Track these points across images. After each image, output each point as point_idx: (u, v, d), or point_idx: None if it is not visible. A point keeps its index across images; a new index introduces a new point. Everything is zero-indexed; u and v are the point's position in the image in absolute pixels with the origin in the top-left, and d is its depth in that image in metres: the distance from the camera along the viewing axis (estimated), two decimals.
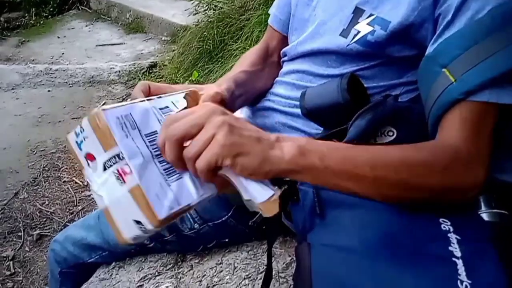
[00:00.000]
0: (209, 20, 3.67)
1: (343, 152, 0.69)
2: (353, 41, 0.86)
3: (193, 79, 3.36)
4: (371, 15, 0.84)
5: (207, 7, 3.83)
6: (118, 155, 0.62)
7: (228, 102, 0.90)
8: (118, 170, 0.62)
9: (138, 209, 0.61)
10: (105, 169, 0.63)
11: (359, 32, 0.85)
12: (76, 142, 0.65)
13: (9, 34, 4.89)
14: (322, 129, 0.86)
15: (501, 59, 0.71)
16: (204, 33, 3.57)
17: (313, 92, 0.84)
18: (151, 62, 4.01)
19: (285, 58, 1.05)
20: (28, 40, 4.74)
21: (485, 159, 0.73)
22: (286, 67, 1.04)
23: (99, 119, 0.62)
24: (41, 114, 3.18)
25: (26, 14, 5.19)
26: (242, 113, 1.08)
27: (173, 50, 4.07)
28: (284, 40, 1.12)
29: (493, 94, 0.72)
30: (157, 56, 4.21)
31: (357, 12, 0.86)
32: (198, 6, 3.95)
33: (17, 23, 5.07)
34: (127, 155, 0.62)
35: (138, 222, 0.62)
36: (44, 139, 2.88)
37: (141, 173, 0.62)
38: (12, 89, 3.53)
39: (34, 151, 2.77)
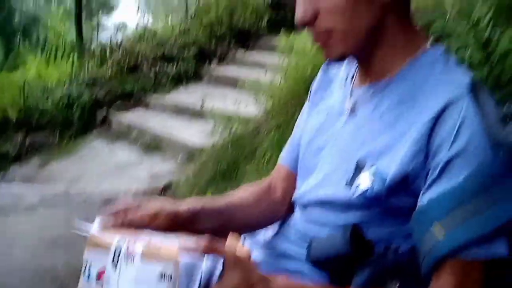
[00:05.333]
0: (224, 141, 3.72)
1: None
2: (356, 192, 0.88)
3: None
4: (371, 167, 0.88)
5: (222, 129, 3.89)
6: (119, 245, 0.72)
7: (183, 221, 0.94)
8: (126, 251, 0.71)
9: (157, 259, 0.69)
10: (115, 265, 0.71)
11: (361, 184, 0.88)
12: (88, 276, 0.74)
13: (32, 155, 4.97)
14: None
15: (488, 218, 0.76)
16: (219, 154, 3.60)
17: (318, 243, 0.87)
18: (166, 181, 4.00)
19: (297, 204, 1.06)
20: (50, 161, 4.80)
21: None
22: (298, 213, 1.05)
23: (94, 237, 0.75)
24: (55, 236, 3.12)
25: (50, 136, 5.32)
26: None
27: (189, 170, 4.08)
28: (292, 178, 1.11)
29: (479, 250, 0.76)
30: (173, 175, 4.21)
31: (359, 165, 0.90)
32: (214, 128, 4.02)
33: (41, 145, 5.18)
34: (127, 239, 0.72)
35: (162, 276, 0.68)
36: (56, 262, 2.79)
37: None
38: (30, 210, 3.50)
39: (45, 276, 2.68)
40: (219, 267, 0.74)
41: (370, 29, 0.88)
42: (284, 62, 3.71)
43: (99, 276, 0.72)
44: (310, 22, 0.88)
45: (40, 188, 3.91)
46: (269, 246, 1.08)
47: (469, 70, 0.90)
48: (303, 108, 1.16)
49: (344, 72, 1.04)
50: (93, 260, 0.73)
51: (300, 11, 0.87)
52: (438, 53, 0.91)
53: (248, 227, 1.11)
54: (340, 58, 0.93)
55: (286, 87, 3.47)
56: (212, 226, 0.99)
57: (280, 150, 1.22)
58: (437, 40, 1.97)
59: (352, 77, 1.01)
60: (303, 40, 3.53)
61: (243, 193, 1.15)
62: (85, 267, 0.74)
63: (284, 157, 1.17)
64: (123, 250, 0.71)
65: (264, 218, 1.11)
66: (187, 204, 0.99)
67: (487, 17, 1.64)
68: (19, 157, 4.83)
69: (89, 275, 0.73)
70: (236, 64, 6.25)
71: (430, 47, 0.92)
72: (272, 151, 3.03)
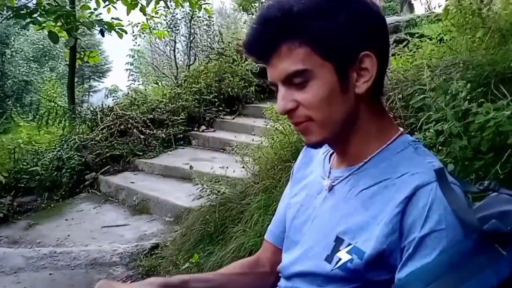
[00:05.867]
0: (212, 204, 3.70)
1: None
2: (336, 267, 0.93)
3: (194, 261, 3.27)
4: (349, 244, 0.92)
5: (210, 191, 3.88)
6: None
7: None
8: None
9: None
10: None
11: (340, 259, 0.92)
12: None
13: (19, 217, 4.88)
14: None
15: None
16: (206, 217, 3.57)
17: None
18: (153, 243, 3.94)
19: (281, 274, 1.10)
20: (37, 223, 4.71)
21: None
22: (284, 282, 1.08)
23: None
24: None
25: (38, 198, 5.26)
26: None
27: (176, 231, 4.03)
28: (278, 253, 1.16)
29: None
30: (160, 237, 4.15)
31: (338, 241, 0.94)
32: (202, 191, 4.01)
33: (29, 207, 5.10)
34: None
35: None
36: None
37: None
38: (15, 272, 3.41)
39: None
40: None
41: (346, 118, 0.95)
42: (271, 127, 3.78)
43: None
44: (291, 111, 0.94)
45: (26, 250, 3.82)
46: None
47: (436, 157, 0.99)
48: (286, 187, 1.23)
49: (323, 151, 1.12)
50: None
51: (282, 103, 0.94)
52: (408, 140, 0.99)
53: None
54: (319, 145, 1.01)
55: (272, 151, 3.51)
56: None
57: (266, 213, 1.26)
58: (418, 111, 2.05)
59: (331, 155, 1.09)
60: None
61: (232, 266, 1.22)
62: None
63: (270, 233, 1.23)
64: None
65: (254, 283, 1.17)
66: (178, 276, 1.07)
67: (464, 91, 1.71)
68: (7, 219, 4.75)
69: None
70: (224, 129, 6.34)
71: (401, 134, 1.00)
72: (259, 214, 3.02)
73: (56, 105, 7.76)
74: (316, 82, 0.91)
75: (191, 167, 5.01)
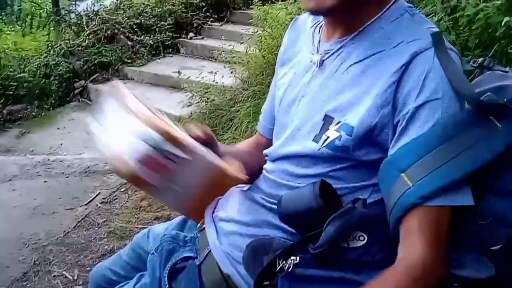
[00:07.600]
0: (202, 111, 3.69)
1: None
2: (323, 145, 0.89)
3: None
4: (338, 122, 0.88)
5: (200, 99, 3.85)
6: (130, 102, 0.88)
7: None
8: (132, 107, 0.85)
9: (152, 128, 0.82)
10: (116, 110, 0.89)
11: (328, 137, 0.88)
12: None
13: (10, 125, 4.85)
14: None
15: (454, 166, 0.76)
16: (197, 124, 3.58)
17: (288, 198, 0.87)
18: None
19: (267, 158, 1.06)
20: (29, 132, 4.70)
21: (444, 257, 0.78)
22: (269, 165, 1.04)
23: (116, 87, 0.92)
24: (36, 206, 3.07)
25: (29, 107, 5.19)
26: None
27: None
28: (269, 142, 1.12)
29: (446, 198, 0.77)
30: None
31: (327, 120, 0.90)
32: (192, 99, 3.98)
33: (19, 115, 5.05)
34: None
35: (146, 140, 0.82)
36: (37, 231, 2.76)
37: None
38: (9, 180, 3.43)
39: (26, 244, 2.64)
40: None
41: None
42: (259, 32, 3.68)
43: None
44: None
45: (20, 158, 3.83)
46: (247, 196, 1.06)
47: (434, 24, 0.91)
48: (274, 76, 1.16)
49: (310, 25, 1.04)
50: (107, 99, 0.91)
51: None
52: (404, 6, 0.91)
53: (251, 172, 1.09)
54: (330, 10, 0.90)
55: (261, 56, 3.44)
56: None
57: (256, 119, 1.23)
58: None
59: (319, 30, 1.00)
60: (277, 10, 3.51)
61: (246, 143, 1.25)
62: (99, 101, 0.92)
63: (260, 126, 1.19)
64: (130, 106, 0.85)
65: (259, 166, 1.09)
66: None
67: None
68: None
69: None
70: (212, 36, 6.15)
71: (395, 1, 0.91)
72: (248, 120, 3.03)
73: (39, 7, 7.44)
74: None
75: (179, 72, 4.92)
